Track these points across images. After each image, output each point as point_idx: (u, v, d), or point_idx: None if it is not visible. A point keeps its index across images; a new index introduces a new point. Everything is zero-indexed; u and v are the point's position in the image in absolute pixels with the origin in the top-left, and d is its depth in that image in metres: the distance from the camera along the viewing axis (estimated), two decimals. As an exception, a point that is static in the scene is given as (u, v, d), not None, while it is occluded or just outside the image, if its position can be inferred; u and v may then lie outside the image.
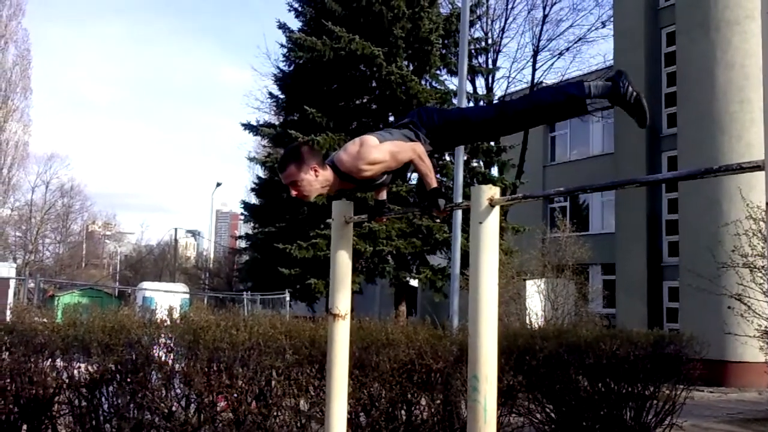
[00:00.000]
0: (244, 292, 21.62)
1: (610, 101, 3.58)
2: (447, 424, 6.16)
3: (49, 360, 5.41)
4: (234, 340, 5.35)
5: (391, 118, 21.01)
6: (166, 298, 16.58)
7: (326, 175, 3.61)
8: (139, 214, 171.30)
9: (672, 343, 7.87)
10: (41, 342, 5.36)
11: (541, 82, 27.78)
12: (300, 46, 20.70)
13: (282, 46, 22.39)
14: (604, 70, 25.10)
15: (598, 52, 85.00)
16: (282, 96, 22.86)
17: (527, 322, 15.26)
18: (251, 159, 27.54)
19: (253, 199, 24.37)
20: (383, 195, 4.13)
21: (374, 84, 20.89)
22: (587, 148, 27.05)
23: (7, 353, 5.49)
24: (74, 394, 5.35)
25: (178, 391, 5.43)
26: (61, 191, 45.45)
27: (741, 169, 2.53)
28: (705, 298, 13.40)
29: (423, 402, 6.20)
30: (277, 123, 24.02)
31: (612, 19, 23.69)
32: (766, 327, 11.06)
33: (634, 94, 3.52)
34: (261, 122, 24.27)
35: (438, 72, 22.04)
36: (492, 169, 23.07)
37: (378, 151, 3.55)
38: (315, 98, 20.34)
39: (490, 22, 27.72)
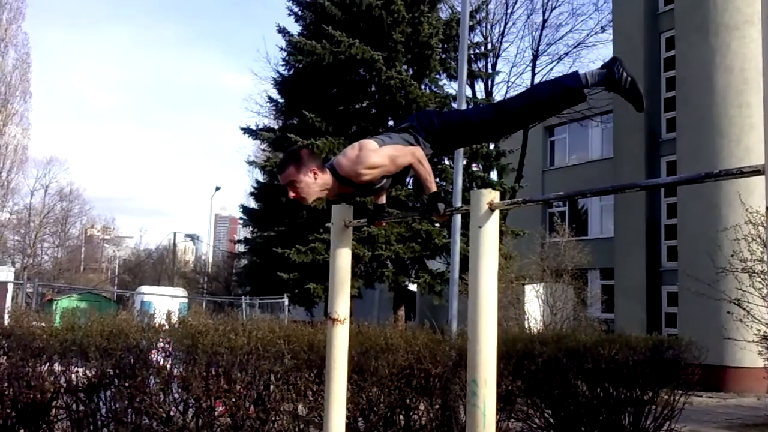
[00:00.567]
0: (243, 297, 21.59)
1: (606, 88, 3.61)
2: (446, 429, 6.14)
3: (47, 364, 5.40)
4: (232, 345, 5.33)
5: (391, 123, 21.01)
6: (165, 303, 16.58)
7: (325, 178, 3.60)
8: (137, 218, 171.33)
9: (671, 348, 7.87)
10: (39, 346, 5.35)
11: (540, 87, 27.78)
12: (300, 51, 20.71)
13: (282, 50, 22.43)
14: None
15: (598, 57, 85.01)
16: (281, 100, 22.85)
17: (526, 326, 15.24)
18: (250, 163, 27.55)
19: (252, 204, 24.36)
20: (383, 199, 4.12)
21: (374, 88, 20.89)
22: (586, 153, 27.07)
23: (5, 357, 5.48)
24: (72, 398, 5.33)
25: (176, 395, 5.41)
26: (60, 195, 45.50)
27: (741, 173, 2.52)
28: (704, 303, 13.40)
29: (422, 407, 6.18)
30: (276, 127, 24.01)
31: (611, 23, 23.73)
32: (764, 332, 11.05)
33: (629, 79, 3.52)
34: (260, 126, 24.25)
35: (438, 76, 22.05)
36: (491, 173, 23.07)
37: (377, 155, 3.54)
38: (314, 102, 20.34)
39: (489, 27, 27.79)
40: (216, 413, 5.42)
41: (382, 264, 20.16)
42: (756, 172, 2.47)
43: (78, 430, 5.26)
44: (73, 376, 5.35)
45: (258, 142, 26.71)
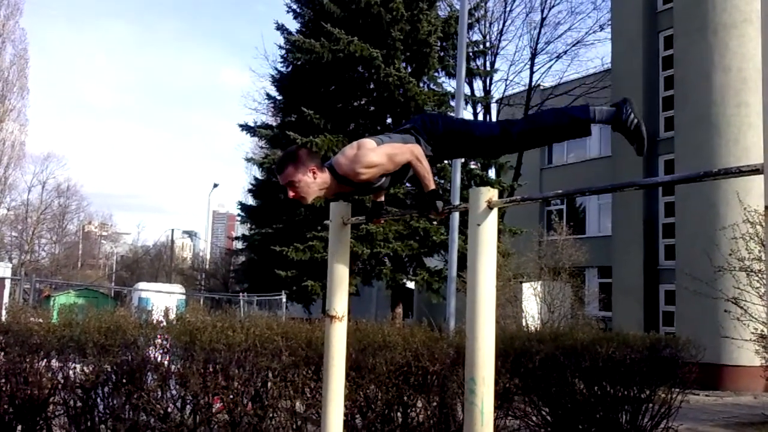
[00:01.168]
0: (241, 294, 21.59)
1: (612, 127, 3.61)
2: (443, 427, 6.15)
3: (45, 360, 5.39)
4: (230, 342, 5.33)
5: (389, 120, 21.01)
6: (163, 299, 16.57)
7: (324, 177, 3.62)
8: (135, 214, 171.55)
9: (668, 347, 7.88)
10: (37, 342, 5.34)
11: (539, 85, 27.83)
12: (298, 48, 20.70)
13: (280, 47, 22.40)
14: (602, 73, 25.15)
15: (596, 56, 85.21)
16: (280, 97, 22.84)
17: (524, 324, 15.26)
18: (248, 160, 27.51)
19: (250, 201, 24.35)
20: (381, 197, 4.13)
21: (372, 86, 20.88)
22: (584, 152, 27.08)
23: (2, 353, 5.47)
24: (69, 394, 5.33)
25: (174, 392, 5.41)
26: (57, 191, 45.45)
27: (740, 172, 2.52)
28: (701, 301, 13.42)
29: (419, 404, 6.19)
30: (274, 124, 23.99)
31: (610, 22, 23.74)
32: (762, 331, 11.07)
33: (635, 121, 3.53)
34: (259, 123, 24.24)
35: (436, 74, 22.05)
36: (489, 171, 23.08)
37: (375, 154, 3.55)
38: (313, 100, 20.34)
39: (488, 25, 27.81)
40: (214, 410, 5.42)
41: (380, 261, 20.17)
42: (755, 171, 2.47)
43: (75, 426, 5.26)
44: (71, 372, 5.34)
45: (256, 139, 26.74)
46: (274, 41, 39.48)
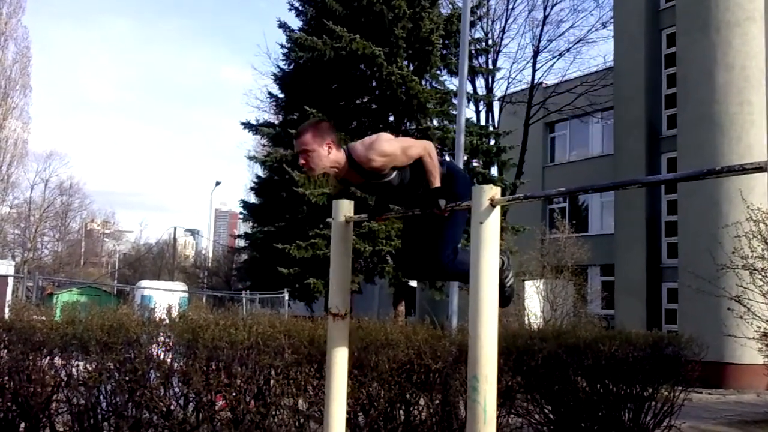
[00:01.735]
0: (243, 292, 21.61)
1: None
2: (445, 425, 6.15)
3: (48, 358, 5.39)
4: (233, 339, 5.33)
5: (391, 118, 21.00)
6: (165, 297, 16.57)
7: (338, 156, 3.70)
8: (138, 212, 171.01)
9: (671, 345, 7.87)
10: (40, 340, 5.35)
11: (541, 83, 27.80)
12: (300, 46, 20.68)
13: (282, 45, 22.38)
14: (605, 71, 25.11)
15: (599, 53, 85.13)
16: (282, 95, 22.83)
17: (526, 322, 15.26)
18: (251, 158, 27.51)
19: (253, 199, 24.34)
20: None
21: (374, 84, 20.86)
22: (587, 150, 27.06)
23: (6, 351, 5.48)
24: (72, 392, 5.34)
25: (177, 389, 5.42)
26: (60, 189, 45.52)
27: (743, 170, 2.52)
28: (704, 299, 13.40)
29: (422, 402, 6.19)
30: (276, 122, 23.99)
31: (612, 20, 23.70)
32: (765, 329, 11.05)
33: (510, 283, 3.96)
34: (261, 121, 24.25)
35: (438, 72, 22.02)
36: (492, 169, 23.06)
37: (390, 144, 3.66)
38: (315, 98, 20.31)
39: (490, 23, 27.77)
40: (216, 407, 5.42)
41: (383, 259, 20.16)
42: (758, 168, 2.47)
43: (78, 423, 5.26)
44: (74, 369, 5.35)
45: (258, 137, 26.73)
46: (276, 39, 39.64)
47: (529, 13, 33.46)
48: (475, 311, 3.26)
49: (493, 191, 3.33)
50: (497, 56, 28.16)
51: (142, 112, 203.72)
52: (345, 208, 4.19)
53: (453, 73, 21.91)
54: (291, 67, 22.23)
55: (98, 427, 5.29)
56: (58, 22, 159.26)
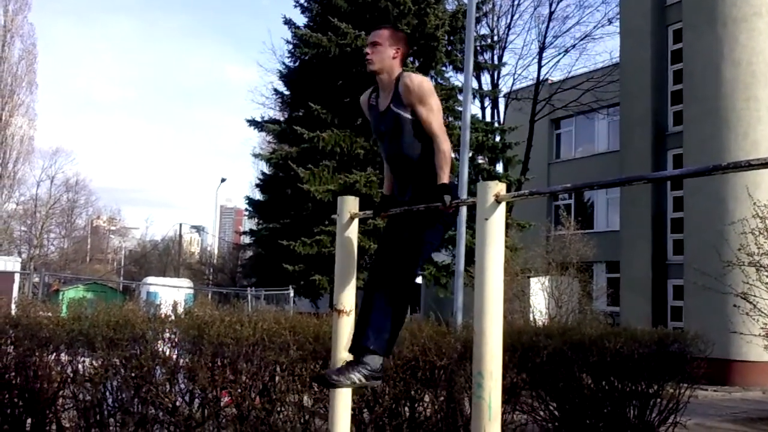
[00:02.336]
0: (248, 288, 21.65)
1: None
2: (450, 421, 6.15)
3: (54, 354, 5.41)
4: (238, 336, 5.34)
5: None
6: (171, 293, 16.63)
7: (396, 66, 3.88)
8: (143, 209, 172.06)
9: (676, 342, 7.85)
10: (46, 336, 5.36)
11: (547, 79, 27.72)
12: (305, 43, 20.68)
13: (287, 42, 22.40)
14: (610, 67, 25.03)
15: (605, 49, 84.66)
16: (287, 92, 22.85)
17: (531, 319, 15.24)
18: (256, 155, 27.62)
19: (258, 195, 24.39)
20: (389, 191, 4.13)
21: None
22: (592, 146, 26.99)
23: (12, 347, 5.49)
24: (79, 388, 5.35)
25: (182, 386, 5.43)
26: (66, 186, 45.64)
27: (750, 165, 2.51)
28: (710, 296, 13.37)
29: (426, 399, 6.19)
30: (282, 119, 24.01)
31: (618, 16, 23.61)
32: (771, 326, 11.03)
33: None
34: (266, 118, 24.26)
35: (444, 68, 22.00)
36: (497, 165, 23.03)
37: (437, 104, 3.77)
38: (320, 94, 20.32)
39: (496, 19, 27.69)
40: (222, 403, 5.44)
41: (388, 256, 20.15)
42: (764, 164, 2.46)
43: (84, 419, 5.28)
44: (80, 366, 5.37)
45: (263, 134, 26.73)
46: (282, 36, 39.77)
47: (535, 9, 33.43)
48: (480, 308, 3.26)
49: (498, 187, 3.33)
50: (503, 52, 28.12)
51: (147, 110, 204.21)
52: (350, 205, 4.20)
53: (458, 69, 21.90)
54: (296, 63, 22.25)
55: (104, 423, 5.31)
56: (62, 20, 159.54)
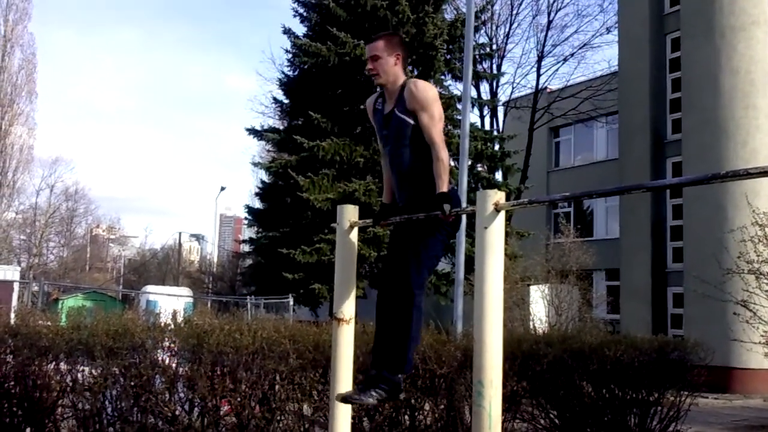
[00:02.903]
0: (248, 297, 21.61)
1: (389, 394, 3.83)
2: (451, 430, 6.14)
3: (53, 363, 5.41)
4: (238, 345, 5.34)
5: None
6: (170, 302, 16.60)
7: (399, 72, 3.89)
8: (143, 217, 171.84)
9: (676, 350, 7.85)
10: (45, 345, 5.36)
11: (545, 88, 27.77)
12: (305, 52, 20.72)
13: (287, 51, 22.44)
14: (609, 75, 25.09)
15: (603, 58, 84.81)
16: (286, 101, 22.87)
17: (531, 327, 15.22)
18: (255, 164, 27.65)
19: (257, 204, 24.39)
20: (388, 199, 4.13)
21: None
22: (591, 154, 27.01)
23: (12, 356, 5.49)
24: (78, 397, 5.35)
25: (182, 395, 5.42)
26: (65, 195, 45.66)
27: (748, 174, 2.52)
28: (709, 304, 13.36)
29: (427, 407, 6.18)
30: (281, 128, 24.03)
31: (617, 25, 23.68)
32: (771, 334, 11.01)
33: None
34: (265, 127, 24.28)
35: (442, 77, 22.03)
36: (496, 173, 23.04)
37: (440, 112, 3.78)
38: (319, 103, 20.35)
39: (494, 28, 27.76)
40: (221, 412, 5.43)
41: (387, 264, 20.14)
42: (763, 173, 2.47)
43: (84, 428, 5.27)
44: (79, 375, 5.36)
45: (263, 142, 26.75)
46: (281, 45, 39.93)
47: (534, 17, 33.44)
48: (480, 316, 3.26)
49: (497, 196, 3.33)
50: (501, 61, 28.17)
51: (147, 118, 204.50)
52: (350, 214, 4.19)
53: (457, 78, 21.94)
54: (296, 72, 22.28)
55: (103, 432, 5.30)
56: (62, 30, 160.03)
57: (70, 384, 5.35)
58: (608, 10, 31.79)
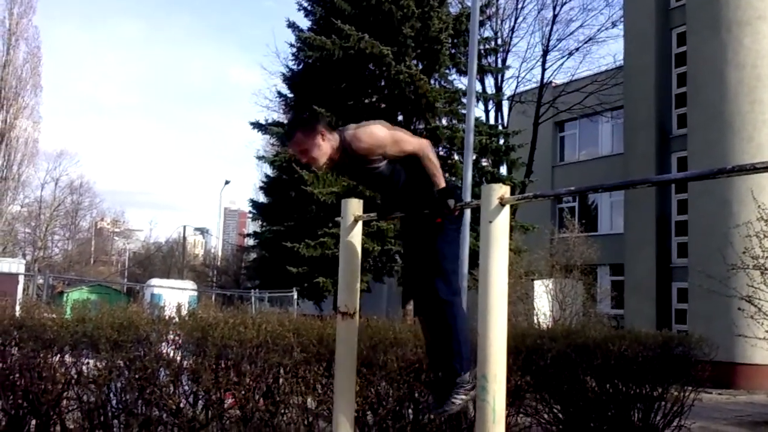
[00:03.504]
0: (252, 290, 21.64)
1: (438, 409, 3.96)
2: (455, 424, 6.14)
3: (58, 356, 5.42)
4: (242, 338, 5.34)
5: (400, 117, 20.98)
6: (175, 295, 16.64)
7: (333, 138, 3.71)
8: (147, 211, 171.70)
9: (681, 345, 7.83)
10: (50, 338, 5.37)
11: (550, 82, 27.71)
12: (309, 45, 20.69)
13: (291, 45, 22.39)
14: (614, 70, 25.01)
15: (608, 53, 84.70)
16: (291, 95, 22.85)
17: (535, 322, 15.23)
18: (260, 158, 27.56)
19: (262, 198, 24.39)
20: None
21: (383, 83, 20.85)
22: (596, 149, 26.97)
23: (17, 348, 5.51)
24: (83, 390, 5.36)
25: (186, 387, 5.43)
26: (70, 188, 45.76)
27: (754, 169, 2.51)
28: (714, 299, 13.34)
29: (431, 401, 6.18)
30: (285, 122, 24.01)
31: (622, 19, 23.60)
32: (775, 329, 10.99)
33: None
34: (270, 121, 24.26)
35: (447, 71, 21.98)
36: (501, 168, 23.00)
37: (382, 130, 3.68)
38: (324, 97, 20.32)
39: (499, 22, 27.70)
40: (225, 405, 5.44)
41: (392, 258, 20.16)
42: (769, 167, 2.45)
43: (89, 421, 5.29)
44: (84, 367, 5.37)
45: (267, 136, 26.77)
46: (285, 39, 39.95)
47: (539, 12, 33.51)
48: (484, 310, 3.26)
49: (502, 190, 3.33)
50: (506, 55, 28.11)
51: (151, 112, 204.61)
52: (354, 207, 4.19)
53: (462, 72, 21.87)
54: (300, 66, 22.24)
55: (108, 424, 5.31)
56: (66, 23, 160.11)
57: (75, 376, 5.36)
58: (614, 4, 31.80)
